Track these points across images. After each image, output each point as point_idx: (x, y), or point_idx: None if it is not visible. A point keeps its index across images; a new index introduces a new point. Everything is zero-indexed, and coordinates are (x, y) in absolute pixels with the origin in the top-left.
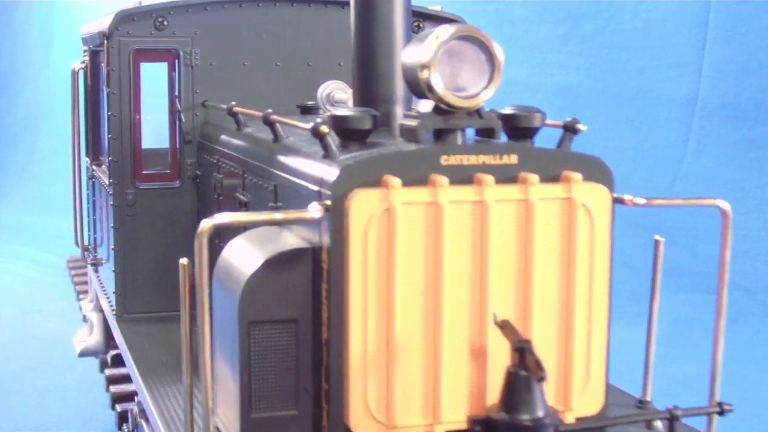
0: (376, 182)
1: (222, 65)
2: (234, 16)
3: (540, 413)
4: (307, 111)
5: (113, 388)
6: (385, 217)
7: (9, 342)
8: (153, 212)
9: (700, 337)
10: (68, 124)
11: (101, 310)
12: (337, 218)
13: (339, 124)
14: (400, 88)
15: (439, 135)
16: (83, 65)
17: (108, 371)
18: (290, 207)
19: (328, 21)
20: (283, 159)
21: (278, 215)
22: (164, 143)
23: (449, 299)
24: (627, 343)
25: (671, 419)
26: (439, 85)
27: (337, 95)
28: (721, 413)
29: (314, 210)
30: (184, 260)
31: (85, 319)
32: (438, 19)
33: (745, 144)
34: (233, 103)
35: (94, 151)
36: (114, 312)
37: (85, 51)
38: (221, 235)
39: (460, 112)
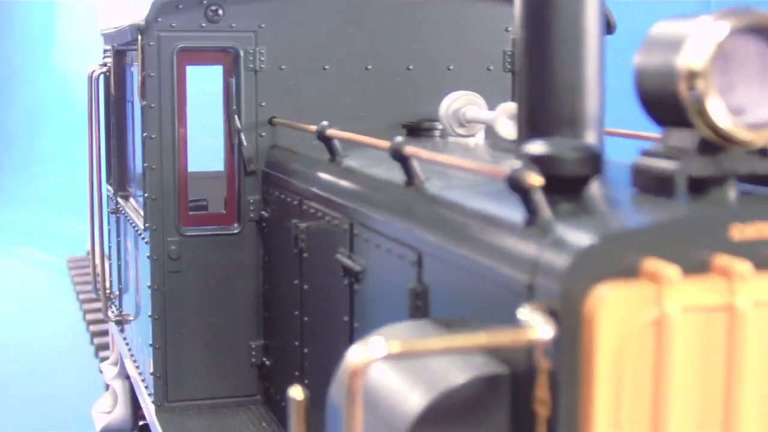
0: (631, 271)
1: (295, 69)
2: (311, 4)
3: None
4: (417, 132)
5: None
6: (655, 329)
7: (9, 342)
8: (204, 267)
9: None
10: (67, 125)
11: (127, 377)
12: (571, 331)
13: (546, 168)
14: (593, 105)
15: (701, 187)
16: (104, 69)
17: None
18: (454, 293)
19: (434, 12)
20: (436, 217)
21: (482, 338)
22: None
23: None
24: None
25: None
26: (719, 110)
27: (470, 112)
28: None
29: (539, 326)
30: (297, 393)
31: (107, 387)
32: None
33: None
34: (325, 123)
35: (119, 179)
36: (152, 399)
37: (107, 51)
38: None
39: (736, 150)
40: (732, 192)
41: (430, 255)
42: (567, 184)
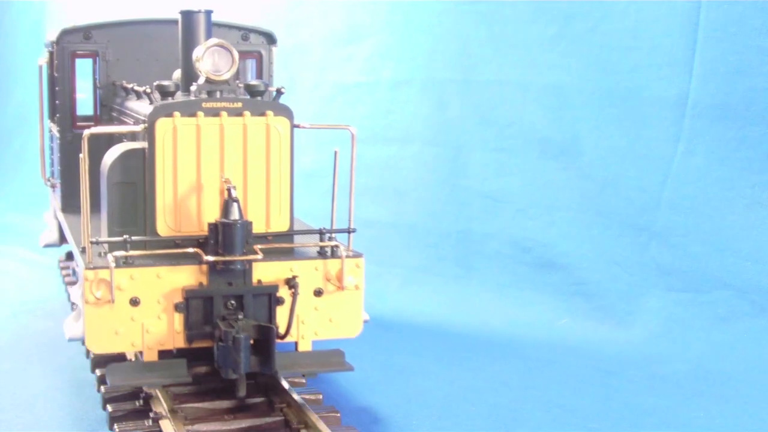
0: (170, 115)
1: (126, 60)
2: (133, 30)
3: (237, 218)
4: None
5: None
6: (174, 132)
7: (0, 342)
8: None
9: (691, 337)
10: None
11: (56, 218)
12: (150, 133)
13: (159, 88)
14: (191, 72)
15: (209, 94)
16: (46, 61)
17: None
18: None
19: None
20: (136, 107)
21: (122, 128)
22: (91, 109)
23: (207, 172)
24: (616, 342)
25: (320, 233)
26: (204, 69)
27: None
28: (351, 232)
29: (139, 127)
30: (82, 155)
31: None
32: (258, 32)
33: (735, 144)
34: (123, 81)
35: (52, 115)
36: (61, 208)
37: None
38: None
39: (220, 83)
40: (219, 95)
41: (135, 120)
42: (167, 94)
